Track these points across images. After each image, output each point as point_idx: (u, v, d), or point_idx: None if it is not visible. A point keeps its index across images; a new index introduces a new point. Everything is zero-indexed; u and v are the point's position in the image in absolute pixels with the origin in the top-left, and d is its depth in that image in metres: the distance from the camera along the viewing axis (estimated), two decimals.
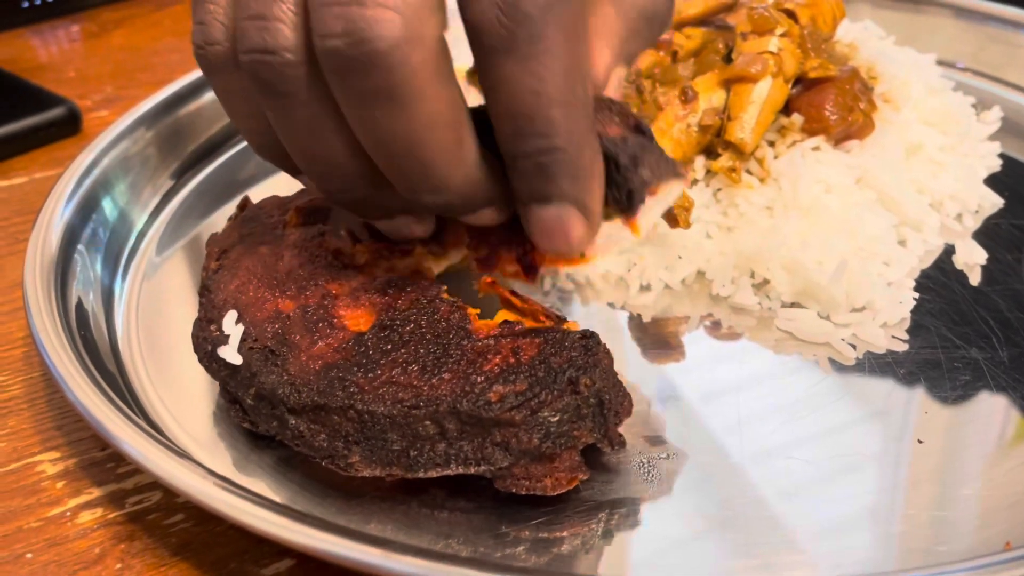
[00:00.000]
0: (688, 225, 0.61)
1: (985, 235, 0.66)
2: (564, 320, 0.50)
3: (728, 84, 0.66)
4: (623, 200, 0.46)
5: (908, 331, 0.58)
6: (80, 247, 0.66)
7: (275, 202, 0.60)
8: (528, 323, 0.49)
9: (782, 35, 0.67)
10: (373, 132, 0.42)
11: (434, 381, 0.45)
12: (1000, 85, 0.87)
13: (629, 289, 0.63)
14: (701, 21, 0.72)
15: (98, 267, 0.66)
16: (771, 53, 0.66)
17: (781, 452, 0.50)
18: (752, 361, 0.57)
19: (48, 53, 1.12)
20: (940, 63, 0.80)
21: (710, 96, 0.66)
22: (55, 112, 0.90)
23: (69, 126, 0.91)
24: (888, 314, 0.58)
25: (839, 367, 0.56)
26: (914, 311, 0.60)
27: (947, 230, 0.67)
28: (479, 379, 0.44)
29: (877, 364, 0.56)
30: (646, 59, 0.70)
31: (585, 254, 0.49)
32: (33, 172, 0.86)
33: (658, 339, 0.60)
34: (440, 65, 0.41)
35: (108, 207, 0.71)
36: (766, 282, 0.62)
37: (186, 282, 0.67)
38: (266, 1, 0.41)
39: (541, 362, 0.45)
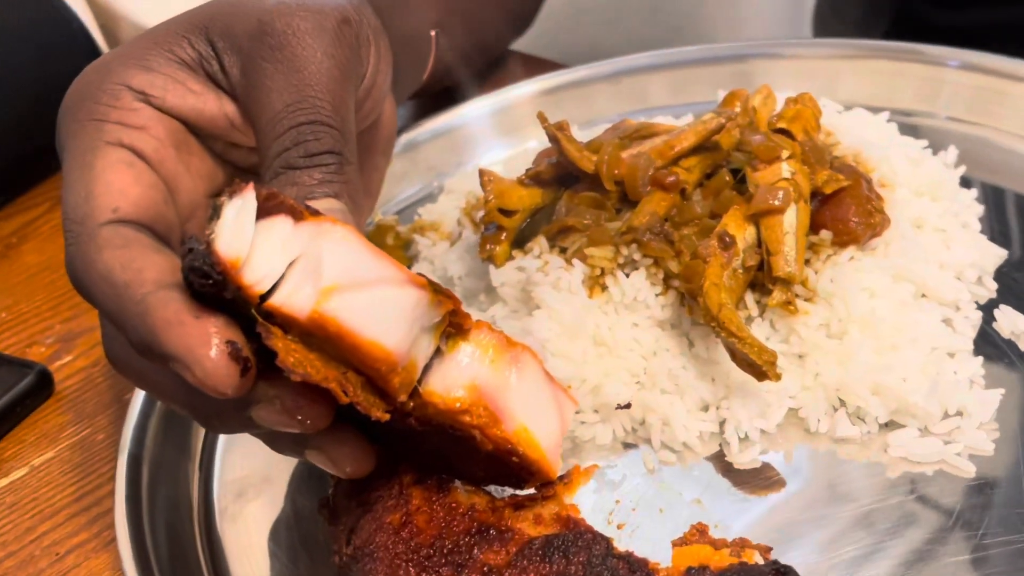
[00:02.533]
0: (778, 377, 0.63)
1: (1010, 293, 0.72)
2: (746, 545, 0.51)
3: (755, 218, 0.69)
4: None
5: (996, 421, 0.62)
6: None
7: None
8: (711, 562, 0.50)
9: (789, 158, 0.70)
10: None
11: None
12: (922, 118, 0.93)
13: (730, 445, 0.65)
14: (693, 150, 0.74)
15: None
16: (787, 180, 0.69)
17: None
18: (878, 489, 0.60)
19: None
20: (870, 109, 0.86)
21: (743, 234, 0.68)
22: (26, 381, 0.82)
23: (44, 391, 0.83)
24: (981, 413, 0.62)
25: (960, 480, 0.60)
26: None
27: (977, 297, 0.71)
28: None
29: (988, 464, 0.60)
30: (660, 205, 0.71)
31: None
32: (29, 458, 0.78)
33: (771, 482, 0.63)
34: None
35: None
36: (858, 408, 0.64)
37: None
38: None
39: None
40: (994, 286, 0.72)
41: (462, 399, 0.51)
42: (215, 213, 0.46)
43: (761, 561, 0.51)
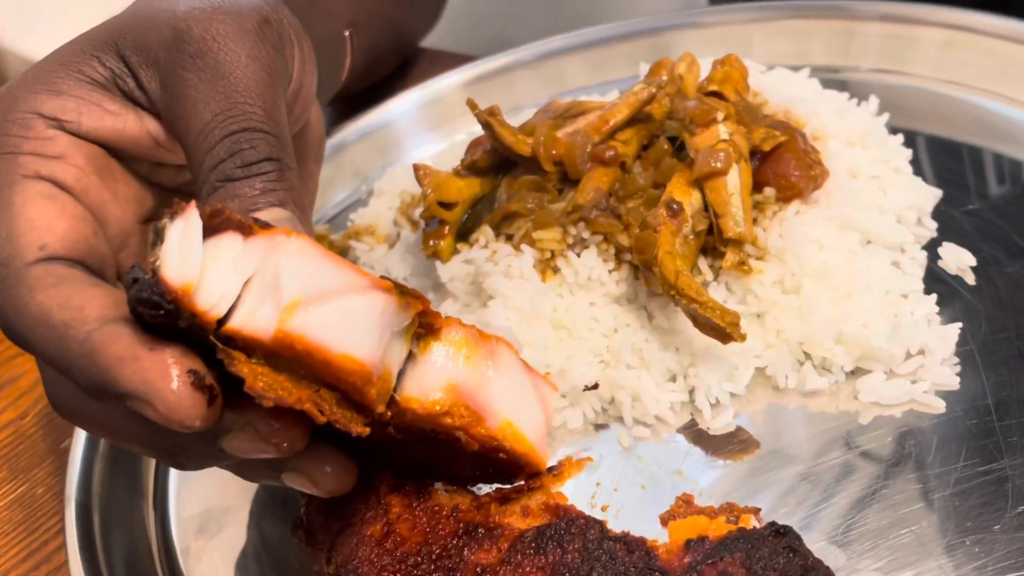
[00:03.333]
0: (743, 338, 0.62)
1: (949, 231, 0.73)
2: None
3: (699, 183, 0.68)
4: None
5: (958, 355, 0.63)
6: None
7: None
8: (709, 531, 0.48)
9: (724, 119, 0.70)
10: None
11: None
12: (842, 72, 0.95)
13: (701, 413, 0.64)
14: (627, 122, 0.73)
15: None
16: (725, 141, 0.68)
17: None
18: (853, 437, 0.60)
19: None
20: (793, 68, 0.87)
21: (689, 200, 0.67)
22: None
23: None
24: (943, 349, 0.63)
25: (931, 417, 0.60)
26: None
27: (919, 238, 0.72)
28: None
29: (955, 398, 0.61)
30: (602, 180, 0.70)
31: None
32: None
33: (746, 445, 0.62)
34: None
35: None
36: (824, 359, 0.64)
37: None
38: None
39: None
40: (934, 225, 0.73)
41: (441, 401, 0.48)
42: (157, 237, 0.43)
43: (757, 524, 0.50)
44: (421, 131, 0.95)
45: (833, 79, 0.92)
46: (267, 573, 0.62)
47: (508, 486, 0.54)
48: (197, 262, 0.42)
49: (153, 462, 0.70)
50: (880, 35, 0.95)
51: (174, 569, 0.64)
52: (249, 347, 0.43)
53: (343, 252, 0.87)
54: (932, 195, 0.75)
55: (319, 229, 0.89)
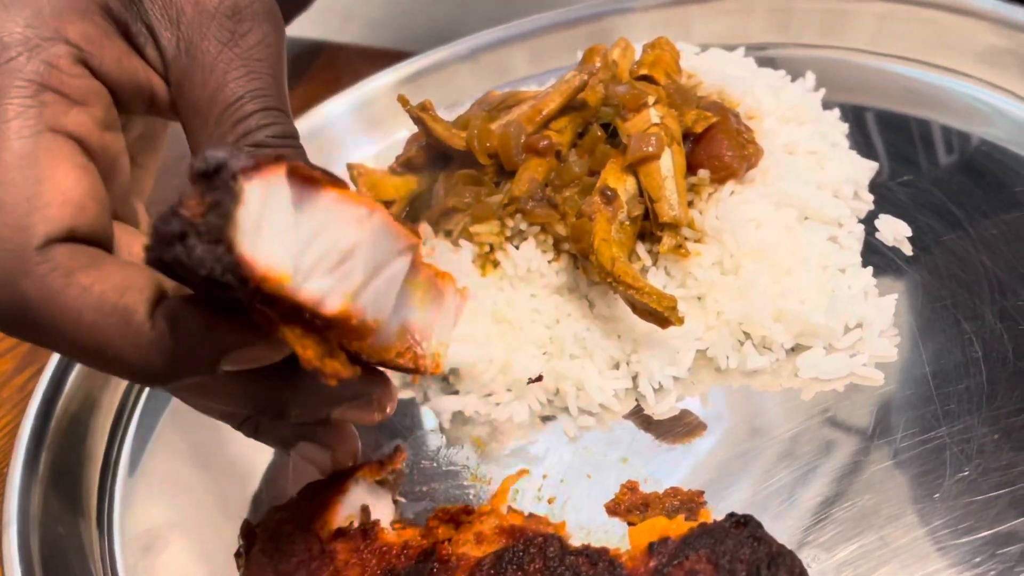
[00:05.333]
0: (681, 321, 0.62)
1: (887, 203, 0.73)
2: None
3: (633, 168, 0.68)
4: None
5: (896, 327, 0.63)
6: None
7: (287, 519, 0.54)
8: (670, 531, 0.48)
9: (655, 103, 0.69)
10: None
11: None
12: (778, 48, 0.95)
13: (646, 398, 0.64)
14: (561, 111, 0.73)
15: None
16: (656, 125, 0.68)
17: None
18: (795, 414, 0.60)
19: None
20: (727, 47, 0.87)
21: (624, 186, 0.67)
22: None
23: None
24: (880, 321, 0.63)
25: (871, 389, 0.60)
26: None
27: (856, 211, 0.72)
28: None
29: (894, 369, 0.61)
30: (537, 171, 0.70)
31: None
32: None
33: (691, 428, 0.62)
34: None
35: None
36: (763, 338, 0.64)
37: None
38: None
39: None
40: (871, 198, 0.73)
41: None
42: (230, 197, 0.36)
43: (717, 517, 0.50)
44: (359, 131, 0.93)
45: (771, 56, 0.92)
46: None
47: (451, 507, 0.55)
48: (290, 248, 0.38)
49: (96, 481, 0.69)
50: (817, 10, 0.95)
51: None
52: (293, 311, 0.40)
53: None
54: (868, 168, 0.75)
55: None
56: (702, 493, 0.56)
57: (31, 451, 0.67)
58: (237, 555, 0.56)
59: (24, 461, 0.66)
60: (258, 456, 0.67)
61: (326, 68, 1.06)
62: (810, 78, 0.85)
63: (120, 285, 0.42)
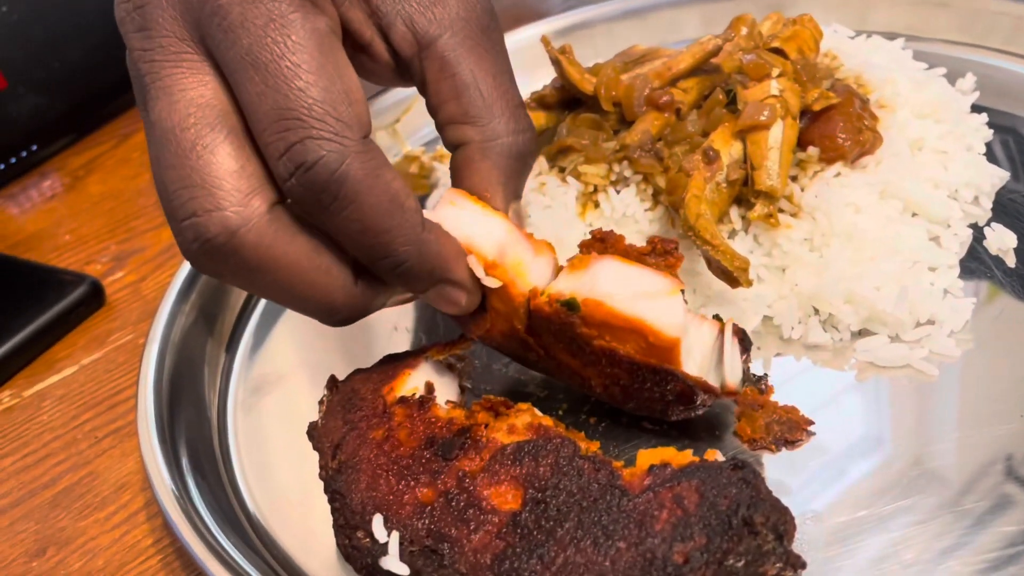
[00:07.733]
0: (750, 283, 0.64)
1: (1005, 213, 0.71)
2: None
3: (742, 135, 0.70)
4: None
5: (972, 332, 0.63)
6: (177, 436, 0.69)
7: (364, 380, 0.62)
8: (673, 460, 0.52)
9: (779, 76, 0.71)
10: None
11: (612, 554, 0.47)
12: (950, 46, 0.92)
13: None
14: (691, 72, 0.76)
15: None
16: (775, 97, 0.70)
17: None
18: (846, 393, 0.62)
19: (32, 220, 1.12)
20: (885, 36, 0.85)
21: (729, 150, 0.70)
22: (79, 291, 0.90)
23: (95, 301, 0.91)
24: (953, 322, 0.63)
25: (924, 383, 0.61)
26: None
27: (969, 216, 0.71)
28: (656, 541, 0.47)
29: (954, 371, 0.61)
30: (654, 124, 0.73)
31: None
32: (79, 358, 0.87)
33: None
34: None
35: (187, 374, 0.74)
36: (831, 316, 0.66)
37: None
38: None
39: (709, 508, 0.47)
40: (989, 206, 0.72)
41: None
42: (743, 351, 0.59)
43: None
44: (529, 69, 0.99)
45: (936, 52, 0.90)
46: (298, 440, 0.71)
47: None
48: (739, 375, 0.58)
49: (231, 324, 0.81)
50: (1012, 15, 0.91)
51: (223, 417, 0.74)
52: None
53: (430, 172, 0.94)
54: (997, 176, 0.73)
55: (415, 151, 0.97)
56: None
57: (183, 290, 0.79)
58: (320, 402, 0.65)
59: (178, 291, 0.78)
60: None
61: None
62: (969, 79, 0.83)
63: (407, 189, 0.52)
